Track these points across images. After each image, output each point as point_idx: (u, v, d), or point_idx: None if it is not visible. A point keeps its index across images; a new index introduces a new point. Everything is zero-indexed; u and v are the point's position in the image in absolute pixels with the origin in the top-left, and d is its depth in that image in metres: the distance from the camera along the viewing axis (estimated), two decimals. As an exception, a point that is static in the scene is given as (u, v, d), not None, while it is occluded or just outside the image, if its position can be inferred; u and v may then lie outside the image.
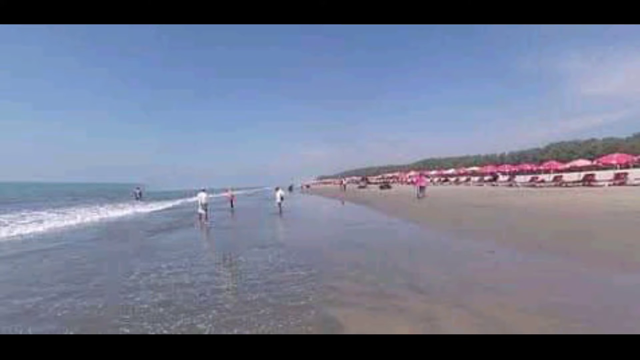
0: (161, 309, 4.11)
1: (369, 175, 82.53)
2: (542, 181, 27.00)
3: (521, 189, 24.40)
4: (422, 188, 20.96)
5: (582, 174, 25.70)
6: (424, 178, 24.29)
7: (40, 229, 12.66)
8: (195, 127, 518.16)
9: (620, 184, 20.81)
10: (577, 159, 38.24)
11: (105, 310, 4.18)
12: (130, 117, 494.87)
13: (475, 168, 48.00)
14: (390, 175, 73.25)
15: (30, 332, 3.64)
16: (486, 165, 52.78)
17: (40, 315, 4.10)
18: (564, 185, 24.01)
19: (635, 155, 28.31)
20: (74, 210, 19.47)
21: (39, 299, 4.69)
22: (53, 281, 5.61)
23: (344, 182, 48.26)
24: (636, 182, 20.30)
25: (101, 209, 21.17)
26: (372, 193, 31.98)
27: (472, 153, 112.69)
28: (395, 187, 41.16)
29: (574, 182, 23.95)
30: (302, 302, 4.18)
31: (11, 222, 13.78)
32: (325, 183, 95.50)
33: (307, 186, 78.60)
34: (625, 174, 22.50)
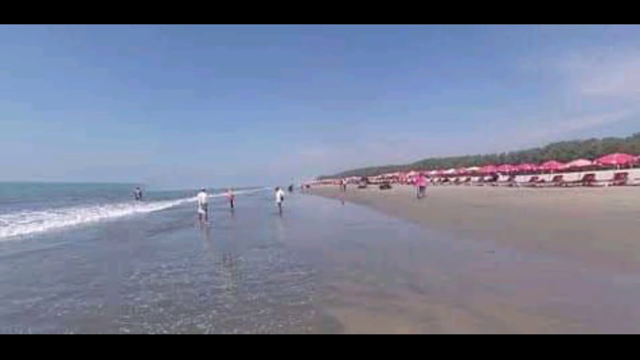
0: (161, 309, 4.11)
1: (369, 175, 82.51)
2: (542, 181, 26.99)
3: (521, 189, 24.39)
4: (422, 188, 20.97)
5: (582, 174, 25.70)
6: (424, 178, 24.28)
7: (40, 229, 12.66)
8: (195, 127, 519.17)
9: (620, 184, 20.81)
10: (577, 159, 38.25)
11: (105, 310, 4.18)
12: (130, 117, 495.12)
13: (475, 168, 47.99)
14: (390, 175, 73.24)
15: (30, 332, 3.64)
16: (486, 165, 52.80)
17: (40, 315, 4.10)
18: (564, 185, 24.00)
19: (635, 155, 28.31)
20: (74, 210, 19.45)
21: (39, 299, 4.69)
22: (53, 281, 5.61)
23: (344, 182, 48.23)
24: (636, 182, 20.30)
25: (101, 209, 21.16)
26: (372, 193, 31.97)
27: (472, 153, 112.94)
28: (395, 187, 41.15)
29: (574, 182, 23.94)
30: (302, 302, 4.18)
31: (11, 222, 13.77)
32: (325, 183, 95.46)
33: (307, 186, 78.57)
34: (625, 174, 22.51)
